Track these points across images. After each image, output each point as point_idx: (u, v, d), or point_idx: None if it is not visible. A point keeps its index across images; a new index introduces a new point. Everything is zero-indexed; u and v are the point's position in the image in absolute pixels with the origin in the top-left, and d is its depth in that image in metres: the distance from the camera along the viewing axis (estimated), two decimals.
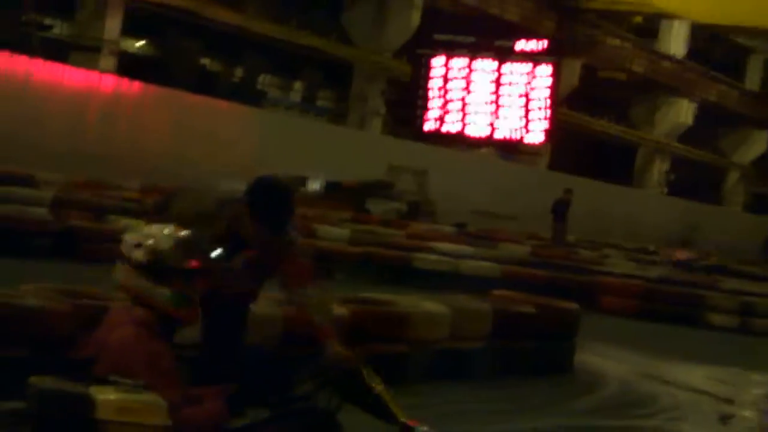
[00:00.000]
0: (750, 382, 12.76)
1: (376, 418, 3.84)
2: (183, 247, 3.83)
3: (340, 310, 8.16)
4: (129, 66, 30.02)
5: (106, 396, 3.40)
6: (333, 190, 28.34)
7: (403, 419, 3.84)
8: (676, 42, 45.72)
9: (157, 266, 3.77)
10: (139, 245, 3.79)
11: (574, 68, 39.13)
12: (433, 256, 17.88)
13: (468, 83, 36.63)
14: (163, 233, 3.83)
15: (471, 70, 36.56)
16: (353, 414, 3.88)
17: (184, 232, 3.85)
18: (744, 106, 50.69)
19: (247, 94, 34.67)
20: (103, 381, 3.49)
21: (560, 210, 25.68)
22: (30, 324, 6.54)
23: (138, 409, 3.41)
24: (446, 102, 36.93)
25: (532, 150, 38.13)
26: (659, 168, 47.82)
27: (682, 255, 15.96)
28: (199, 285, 3.88)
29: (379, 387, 3.85)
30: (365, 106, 36.62)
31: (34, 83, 24.10)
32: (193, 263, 3.84)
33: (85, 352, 3.77)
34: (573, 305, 11.33)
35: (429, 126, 37.22)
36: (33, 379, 3.48)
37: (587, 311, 12.27)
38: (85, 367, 3.63)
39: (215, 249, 4.46)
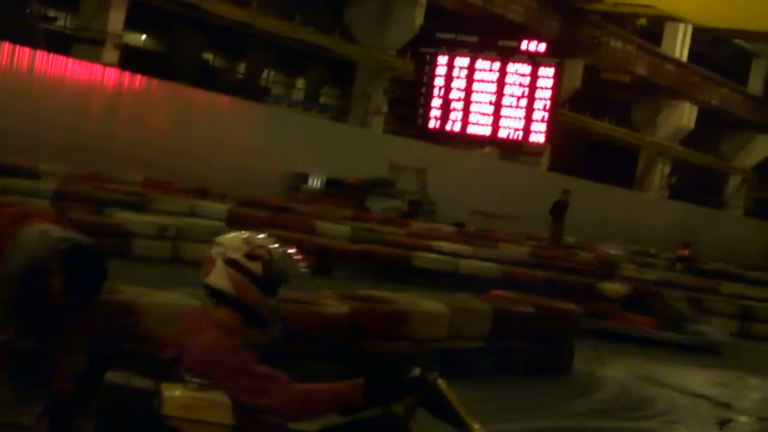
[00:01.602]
0: (747, 386, 12.78)
1: (450, 426, 3.85)
2: (288, 261, 3.95)
3: (339, 308, 8.19)
4: (132, 59, 30.04)
5: (172, 392, 3.50)
6: (334, 187, 28.37)
7: (476, 427, 3.86)
8: (680, 45, 45.71)
9: (269, 279, 3.88)
10: (255, 257, 3.88)
11: (577, 69, 39.09)
12: (433, 255, 17.90)
13: (470, 82, 36.64)
14: (271, 245, 3.93)
15: (474, 70, 36.57)
16: (425, 422, 3.89)
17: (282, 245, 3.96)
18: (746, 110, 50.67)
19: (250, 90, 34.69)
20: (176, 379, 3.59)
21: (559, 212, 25.69)
22: None
23: (202, 407, 3.50)
24: (448, 101, 36.95)
25: (533, 150, 38.10)
26: (661, 171, 47.79)
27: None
28: None
29: (452, 395, 3.86)
30: (368, 104, 36.60)
31: (37, 76, 24.10)
32: (293, 277, 3.97)
33: (167, 353, 3.84)
34: (573, 306, 11.35)
35: (431, 125, 37.24)
36: (107, 374, 3.59)
37: (587, 313, 12.27)
38: (170, 368, 3.71)
39: None
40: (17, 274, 4.55)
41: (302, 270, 4.02)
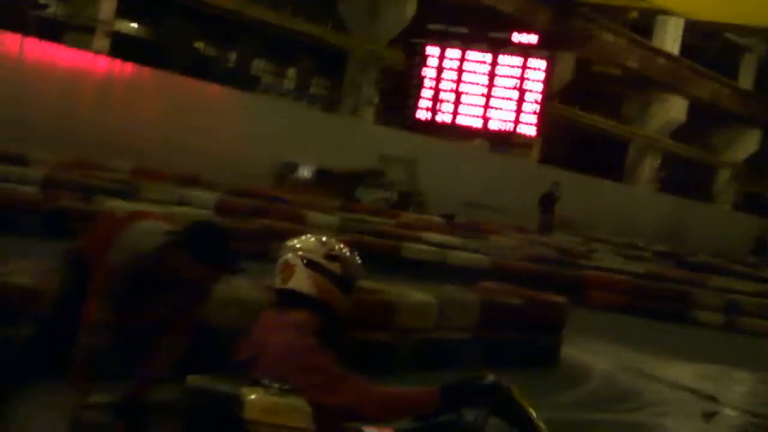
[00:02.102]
0: (734, 380, 12.83)
1: None
2: (356, 261, 4.06)
3: None
4: (123, 48, 29.95)
5: (253, 396, 3.56)
6: (323, 177, 28.35)
7: None
8: (671, 39, 45.74)
9: (347, 279, 4.00)
10: (334, 258, 3.99)
11: (568, 62, 39.09)
12: (422, 246, 17.90)
13: (461, 74, 36.64)
14: (345, 246, 4.06)
15: (465, 61, 36.57)
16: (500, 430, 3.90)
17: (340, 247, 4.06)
18: (737, 104, 50.72)
19: (240, 79, 34.62)
20: (256, 383, 3.65)
21: (547, 203, 25.73)
22: (19, 302, 6.54)
23: (284, 412, 3.56)
24: (439, 92, 36.95)
25: (523, 143, 38.13)
26: (651, 164, 47.85)
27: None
28: None
29: (525, 403, 3.88)
30: (358, 94, 36.58)
31: (27, 63, 24.04)
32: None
33: (242, 354, 3.89)
34: (560, 298, 11.37)
35: (421, 116, 37.23)
36: (189, 378, 3.69)
37: (574, 305, 12.29)
38: (244, 369, 3.78)
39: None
40: (123, 268, 4.66)
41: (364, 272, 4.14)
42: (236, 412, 3.55)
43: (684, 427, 9.28)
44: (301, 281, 3.94)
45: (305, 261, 3.94)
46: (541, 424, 3.82)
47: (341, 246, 4.03)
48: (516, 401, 3.81)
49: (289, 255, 3.98)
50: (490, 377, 3.80)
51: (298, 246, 4.00)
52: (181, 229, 4.76)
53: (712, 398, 10.73)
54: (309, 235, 4.08)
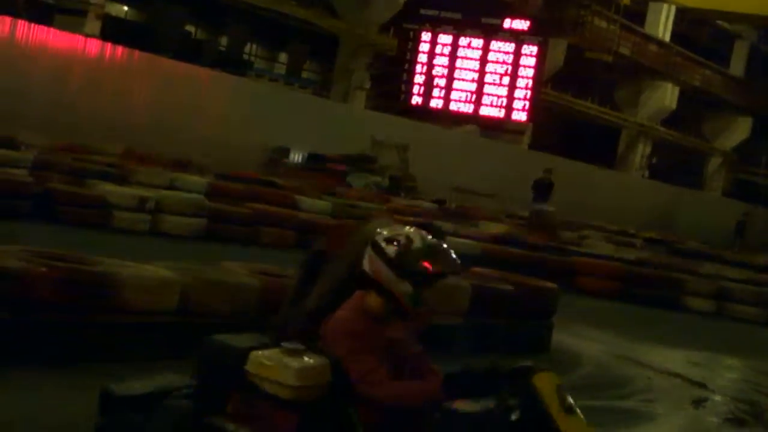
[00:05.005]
0: (723, 366, 12.87)
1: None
2: (428, 252, 4.19)
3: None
4: (114, 31, 29.84)
5: (257, 352, 4.02)
6: (315, 162, 28.31)
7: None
8: (663, 25, 45.72)
9: (401, 262, 4.14)
10: (391, 241, 4.19)
11: (560, 48, 39.03)
12: None
13: (453, 60, 36.57)
14: (417, 235, 4.23)
15: (457, 47, 36.49)
16: None
17: (434, 239, 4.25)
18: (728, 91, 50.75)
19: (232, 64, 34.54)
20: (277, 343, 4.10)
21: (541, 190, 25.62)
22: (10, 286, 6.54)
23: (273, 367, 3.95)
24: (431, 78, 36.89)
25: (515, 129, 38.09)
26: (642, 151, 47.87)
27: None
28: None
29: (550, 394, 3.89)
30: (350, 79, 36.51)
31: (18, 45, 23.93)
32: (434, 268, 4.18)
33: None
34: (551, 284, 11.39)
35: (413, 101, 37.18)
36: (214, 335, 4.25)
37: (565, 291, 12.32)
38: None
39: None
40: (350, 260, 4.78)
41: (452, 270, 4.31)
42: (241, 365, 3.98)
43: (673, 413, 9.31)
44: (366, 261, 4.22)
45: (371, 242, 4.21)
46: (561, 419, 3.81)
47: (417, 237, 4.20)
48: (537, 391, 3.85)
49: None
50: (521, 365, 3.99)
51: (378, 230, 4.25)
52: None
53: (702, 385, 10.76)
54: (407, 226, 4.34)
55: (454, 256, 4.28)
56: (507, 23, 35.91)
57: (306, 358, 3.99)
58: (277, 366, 3.94)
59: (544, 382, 3.88)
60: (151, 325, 7.24)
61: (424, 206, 24.66)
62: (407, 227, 4.32)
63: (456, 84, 36.53)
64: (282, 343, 4.06)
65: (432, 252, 4.19)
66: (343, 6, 35.52)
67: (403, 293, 4.16)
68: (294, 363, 3.94)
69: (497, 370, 4.03)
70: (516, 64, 35.77)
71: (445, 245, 4.27)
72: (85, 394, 5.05)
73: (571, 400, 3.83)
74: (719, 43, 51.81)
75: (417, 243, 4.18)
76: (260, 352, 4.01)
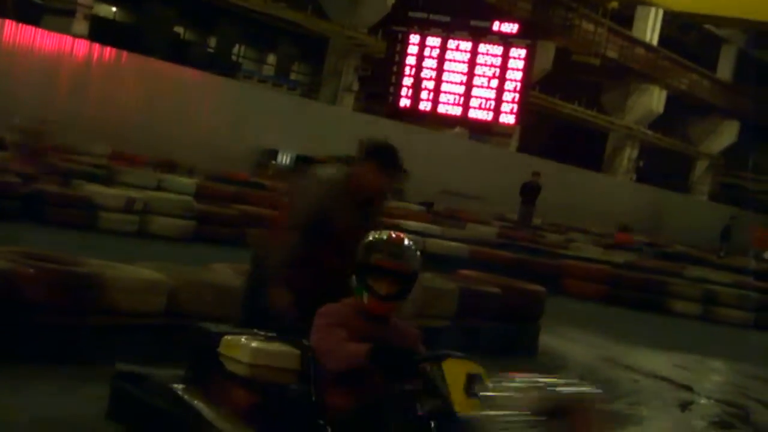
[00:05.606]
0: (709, 370, 12.90)
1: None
2: (380, 245, 4.26)
3: None
4: (102, 31, 29.79)
5: (228, 336, 4.31)
6: (303, 164, 28.28)
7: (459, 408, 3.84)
8: (650, 29, 45.82)
9: (358, 255, 4.28)
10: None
11: (548, 51, 39.08)
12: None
13: (442, 62, 36.56)
14: (385, 233, 4.37)
15: (445, 49, 36.49)
16: None
17: (380, 235, 4.32)
18: (715, 95, 50.88)
19: (220, 65, 34.51)
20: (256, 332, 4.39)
21: (528, 193, 25.68)
22: None
23: (234, 347, 4.22)
24: (419, 80, 36.86)
25: (503, 132, 38.11)
26: (629, 154, 47.94)
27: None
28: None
29: (455, 381, 3.87)
30: (338, 81, 36.52)
31: (5, 46, 23.87)
32: (383, 262, 4.21)
33: None
34: (538, 287, 11.41)
35: (401, 103, 37.16)
36: (202, 323, 4.70)
37: (552, 294, 12.33)
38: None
39: None
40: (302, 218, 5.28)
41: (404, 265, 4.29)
42: (215, 347, 4.28)
43: (660, 416, 9.34)
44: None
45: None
46: (460, 400, 3.76)
47: (385, 237, 4.29)
48: (440, 376, 3.80)
49: None
50: (437, 353, 3.95)
51: None
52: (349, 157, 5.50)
53: (688, 388, 10.79)
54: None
55: (416, 253, 4.29)
56: (495, 26, 35.91)
57: (271, 342, 4.25)
58: (238, 345, 4.21)
59: (452, 367, 3.85)
60: (138, 327, 7.23)
61: (411, 209, 24.65)
62: (391, 231, 4.44)
63: (444, 86, 36.49)
64: (255, 330, 4.37)
65: (384, 246, 4.24)
66: (331, 8, 35.51)
67: (353, 286, 4.26)
68: (253, 343, 4.20)
69: (416, 355, 4.09)
70: (504, 67, 35.75)
71: (408, 242, 4.30)
72: (75, 395, 5.05)
73: (483, 391, 3.78)
74: (707, 47, 51.90)
75: (374, 237, 4.28)
76: (231, 336, 4.31)
